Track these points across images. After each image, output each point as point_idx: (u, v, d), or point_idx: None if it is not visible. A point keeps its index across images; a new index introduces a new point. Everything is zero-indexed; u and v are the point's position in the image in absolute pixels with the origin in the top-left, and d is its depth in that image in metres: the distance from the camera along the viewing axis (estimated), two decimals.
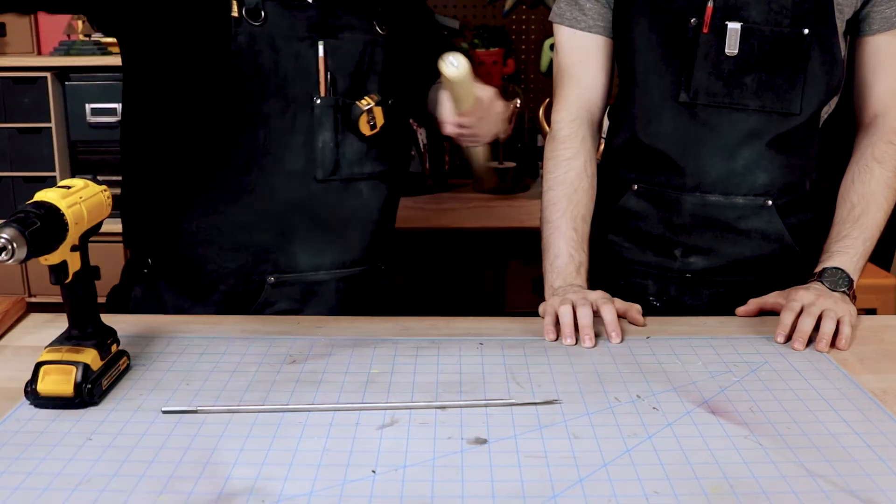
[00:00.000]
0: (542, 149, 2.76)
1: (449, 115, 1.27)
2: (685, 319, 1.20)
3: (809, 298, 1.13)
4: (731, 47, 1.21)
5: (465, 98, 1.25)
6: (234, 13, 1.17)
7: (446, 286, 2.52)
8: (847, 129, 1.33)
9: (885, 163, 1.24)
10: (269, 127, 1.21)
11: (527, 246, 2.49)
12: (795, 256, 1.31)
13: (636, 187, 1.34)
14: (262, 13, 1.18)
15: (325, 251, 1.28)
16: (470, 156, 1.41)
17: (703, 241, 1.31)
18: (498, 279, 2.58)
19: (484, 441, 0.86)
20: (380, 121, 1.25)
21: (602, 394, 0.97)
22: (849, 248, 1.21)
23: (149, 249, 1.30)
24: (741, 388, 0.99)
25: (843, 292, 1.16)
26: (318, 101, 1.22)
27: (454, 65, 1.20)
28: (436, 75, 1.27)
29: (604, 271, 1.39)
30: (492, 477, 0.79)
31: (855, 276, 1.19)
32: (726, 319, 1.20)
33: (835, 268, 1.19)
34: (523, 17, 2.82)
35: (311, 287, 1.28)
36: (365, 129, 1.24)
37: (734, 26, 1.21)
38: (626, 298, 1.21)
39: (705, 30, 1.22)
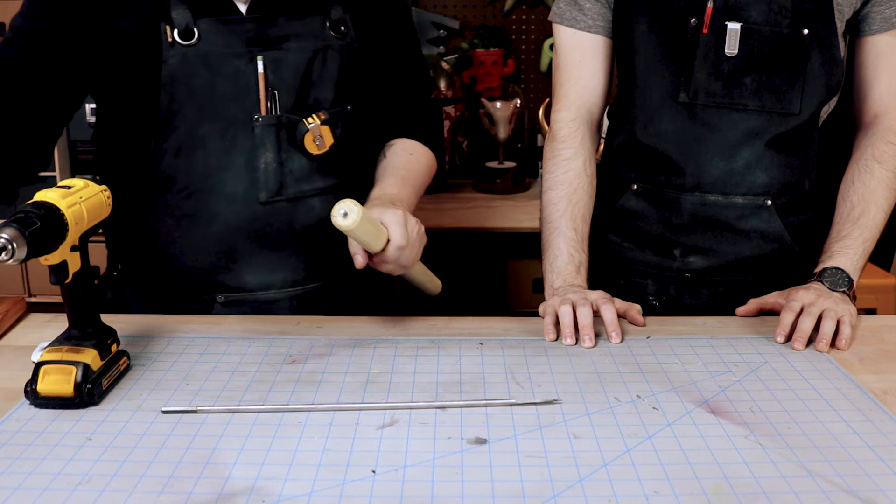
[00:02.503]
0: (541, 149, 2.77)
1: (361, 256, 1.11)
2: (685, 319, 1.21)
3: (809, 298, 1.14)
4: (731, 48, 1.22)
5: (371, 241, 1.08)
6: (169, 38, 1.14)
7: (446, 286, 2.52)
8: (847, 129, 1.33)
9: (885, 163, 1.24)
10: (208, 150, 1.18)
11: (527, 246, 2.49)
12: (795, 256, 1.32)
13: (636, 187, 1.34)
14: (196, 32, 1.15)
15: (275, 270, 1.25)
16: (408, 277, 1.25)
17: (703, 240, 1.31)
18: (498, 279, 2.58)
19: (484, 441, 0.86)
20: (328, 140, 1.21)
21: (602, 394, 0.97)
22: (849, 248, 1.21)
23: (118, 254, 1.31)
24: (741, 388, 0.99)
25: (843, 292, 1.17)
26: (259, 120, 1.18)
27: (345, 215, 1.02)
28: (407, 83, 1.22)
29: (603, 271, 1.40)
30: (492, 477, 0.80)
31: (855, 276, 1.20)
32: (726, 319, 1.21)
33: (835, 268, 1.19)
34: (523, 17, 2.83)
35: (263, 305, 1.26)
36: (312, 148, 1.20)
37: (734, 27, 1.21)
38: (625, 298, 1.21)
39: (705, 30, 1.22)
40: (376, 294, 1.40)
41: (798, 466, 0.82)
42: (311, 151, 1.21)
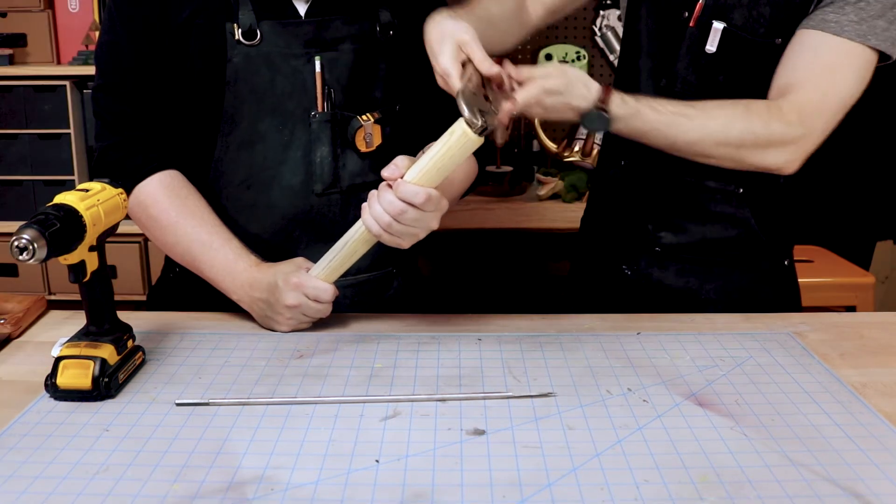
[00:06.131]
0: (538, 154, 2.81)
1: (411, 182, 1.01)
2: (674, 316, 1.23)
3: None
4: (712, 45, 1.24)
5: (446, 170, 1.00)
6: (237, 37, 1.19)
7: (446, 285, 2.55)
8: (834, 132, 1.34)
9: (750, 107, 1.15)
10: (267, 143, 1.23)
11: (524, 246, 2.53)
12: (760, 243, 1.35)
13: (623, 163, 1.39)
14: (258, 33, 1.20)
15: None
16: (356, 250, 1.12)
17: (675, 218, 1.35)
18: (496, 278, 2.61)
19: (482, 432, 0.89)
20: (377, 139, 1.25)
21: (595, 387, 1.00)
22: (648, 103, 1.11)
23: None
24: (727, 381, 1.01)
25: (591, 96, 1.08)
26: (316, 116, 1.23)
27: (485, 128, 0.96)
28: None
29: (595, 231, 1.47)
30: (490, 466, 0.82)
31: (621, 108, 1.09)
32: (713, 316, 1.23)
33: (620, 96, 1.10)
34: None
35: None
36: (361, 145, 1.25)
37: (718, 26, 1.24)
38: (604, 262, 1.30)
39: (692, 24, 1.26)
40: (423, 287, 1.43)
41: (781, 456, 0.84)
42: (360, 148, 1.25)
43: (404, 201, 1.01)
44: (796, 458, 0.84)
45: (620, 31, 1.44)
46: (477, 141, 0.98)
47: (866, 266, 2.52)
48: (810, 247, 2.47)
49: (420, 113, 1.33)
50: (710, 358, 1.08)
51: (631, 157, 1.37)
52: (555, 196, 2.54)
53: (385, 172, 1.03)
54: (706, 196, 1.32)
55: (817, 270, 2.34)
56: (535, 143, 2.69)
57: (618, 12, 2.71)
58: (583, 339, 1.14)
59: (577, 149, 2.55)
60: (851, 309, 2.27)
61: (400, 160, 1.03)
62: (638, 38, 1.33)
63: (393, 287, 1.37)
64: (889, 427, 0.91)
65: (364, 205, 1.06)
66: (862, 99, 1.22)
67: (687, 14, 1.26)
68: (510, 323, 1.20)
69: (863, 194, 2.66)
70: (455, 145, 0.99)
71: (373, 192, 1.05)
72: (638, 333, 1.16)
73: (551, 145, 2.58)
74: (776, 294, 1.38)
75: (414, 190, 1.00)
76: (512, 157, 2.67)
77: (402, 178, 1.02)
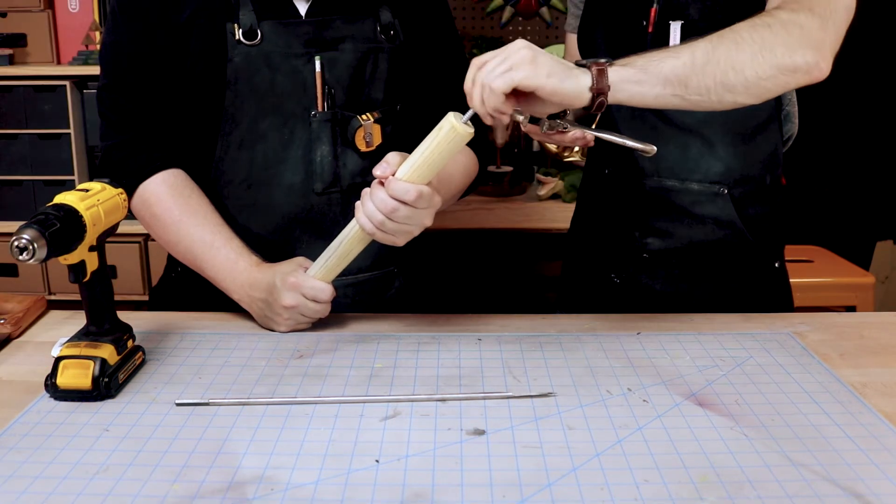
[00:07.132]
0: (537, 154, 2.81)
1: (402, 179, 1.01)
2: (673, 316, 1.23)
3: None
4: (674, 43, 1.25)
5: (436, 166, 1.01)
6: (237, 37, 1.19)
7: (446, 285, 2.55)
8: (822, 133, 1.34)
9: (771, 12, 1.04)
10: (268, 143, 1.23)
11: (524, 246, 2.53)
12: (748, 244, 1.34)
13: (607, 171, 1.40)
14: (259, 33, 1.20)
15: None
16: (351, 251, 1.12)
17: (661, 223, 1.35)
18: (496, 278, 2.61)
19: (482, 432, 0.89)
20: (377, 138, 1.26)
21: (595, 387, 1.00)
22: (642, 61, 1.00)
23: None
24: (727, 381, 1.01)
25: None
26: (316, 116, 1.23)
27: (469, 123, 0.97)
28: (453, 85, 1.21)
29: (581, 242, 1.48)
30: (490, 466, 0.82)
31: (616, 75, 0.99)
32: (713, 316, 1.23)
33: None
34: (519, 27, 2.87)
35: None
36: (361, 145, 1.25)
37: (675, 24, 1.25)
38: (591, 270, 1.29)
39: (650, 29, 1.27)
40: (424, 287, 1.43)
41: (781, 456, 0.84)
42: (360, 148, 1.25)
43: (396, 199, 1.01)
44: (796, 458, 0.84)
45: None
46: (466, 135, 0.98)
47: (866, 266, 2.52)
48: (810, 247, 2.47)
49: (420, 112, 1.32)
50: (710, 358, 1.08)
51: (614, 166, 1.38)
52: (555, 196, 2.54)
53: (376, 171, 1.03)
54: (691, 198, 1.32)
55: (817, 270, 2.33)
56: (535, 143, 2.70)
57: None
58: (583, 339, 1.14)
59: (576, 149, 2.55)
60: (851, 309, 2.27)
61: (391, 157, 1.04)
62: (597, 52, 1.33)
63: (394, 287, 1.37)
64: (889, 427, 0.91)
65: (357, 203, 1.06)
66: (862, 95, 1.21)
67: (644, 22, 1.27)
68: (510, 323, 1.20)
69: (863, 194, 2.67)
70: (444, 140, 0.99)
71: (365, 191, 1.05)
72: (638, 333, 1.16)
73: (551, 145, 2.58)
74: (768, 298, 1.38)
75: (405, 187, 1.01)
76: (512, 157, 2.67)
77: (393, 175, 1.02)
